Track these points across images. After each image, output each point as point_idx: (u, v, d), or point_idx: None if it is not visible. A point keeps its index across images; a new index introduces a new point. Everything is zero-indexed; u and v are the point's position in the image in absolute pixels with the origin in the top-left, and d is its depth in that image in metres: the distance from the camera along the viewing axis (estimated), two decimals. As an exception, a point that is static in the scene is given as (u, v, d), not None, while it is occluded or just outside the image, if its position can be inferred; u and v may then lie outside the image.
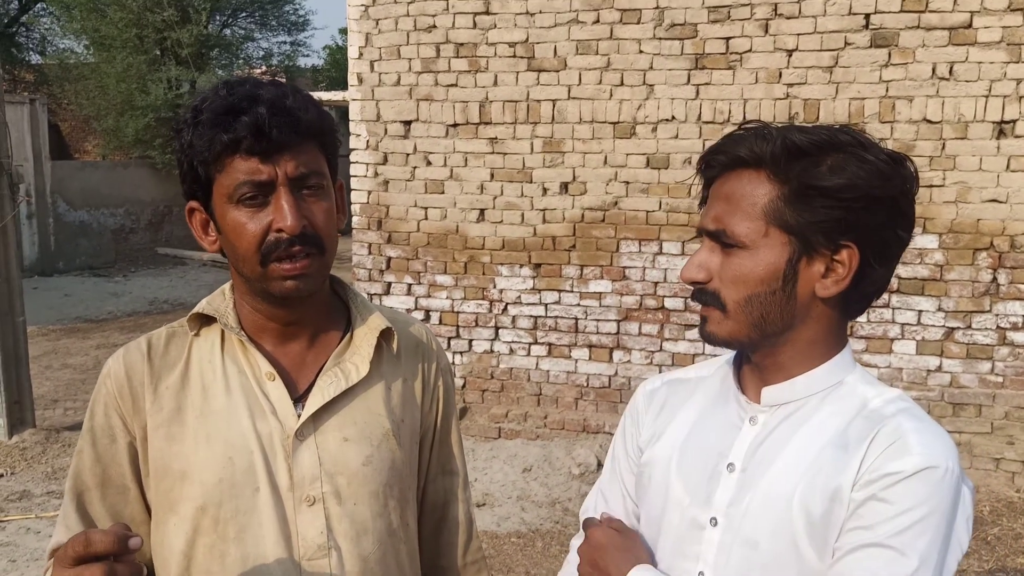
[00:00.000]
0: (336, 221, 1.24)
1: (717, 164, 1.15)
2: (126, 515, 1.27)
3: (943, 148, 5.11)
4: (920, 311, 5.24)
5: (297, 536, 1.21)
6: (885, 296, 5.27)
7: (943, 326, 5.21)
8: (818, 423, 1.13)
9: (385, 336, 1.32)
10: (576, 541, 1.37)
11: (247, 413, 1.23)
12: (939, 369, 5.24)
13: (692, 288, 1.18)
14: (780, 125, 1.14)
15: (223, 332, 1.27)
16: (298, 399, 1.25)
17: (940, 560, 1.02)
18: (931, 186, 5.14)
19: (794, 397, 1.16)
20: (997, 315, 5.12)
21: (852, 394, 1.15)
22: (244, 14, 20.66)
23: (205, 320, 1.28)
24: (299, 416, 1.23)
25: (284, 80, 1.24)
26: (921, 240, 5.19)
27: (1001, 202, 5.04)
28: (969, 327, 5.17)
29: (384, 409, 1.29)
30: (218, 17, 19.85)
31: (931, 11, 5.04)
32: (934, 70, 5.07)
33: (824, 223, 1.08)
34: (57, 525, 1.29)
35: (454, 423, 1.44)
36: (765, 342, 1.15)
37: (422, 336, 1.40)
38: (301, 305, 1.25)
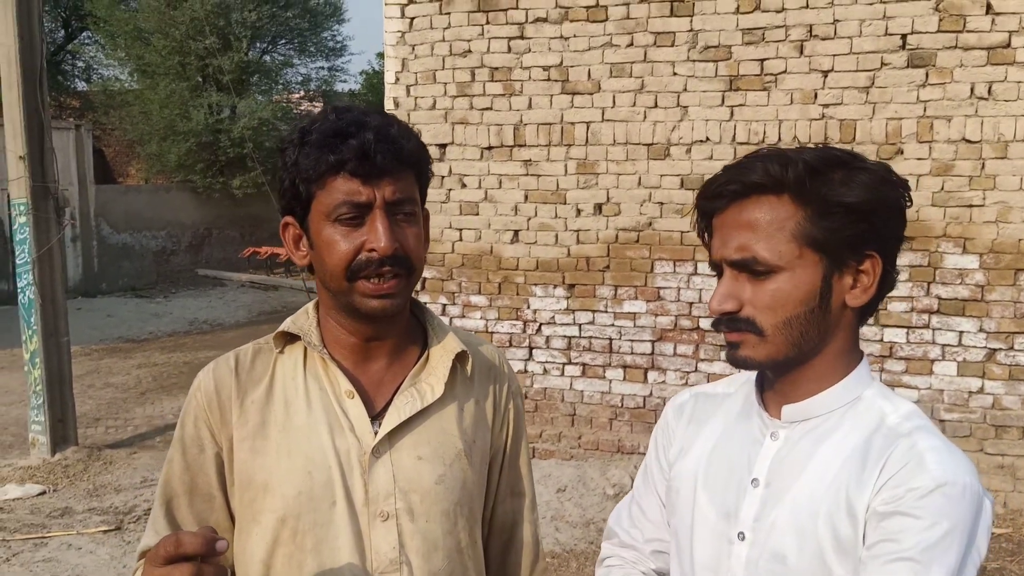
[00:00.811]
0: (424, 246, 1.30)
1: (728, 194, 1.15)
2: (211, 522, 1.31)
3: (983, 168, 5.04)
4: (961, 332, 5.15)
5: (371, 550, 1.25)
6: (925, 317, 5.19)
7: (984, 347, 5.11)
8: (839, 439, 1.14)
9: (460, 358, 1.35)
10: (605, 544, 1.38)
11: (327, 429, 1.27)
12: (981, 391, 5.14)
13: (719, 319, 1.17)
14: (774, 149, 1.15)
15: (306, 350, 1.32)
16: (375, 417, 1.29)
17: (960, 565, 1.03)
18: (971, 206, 5.07)
19: (815, 413, 1.17)
20: (1040, 337, 5.01)
21: (870, 409, 1.16)
22: (283, 41, 21.00)
23: (290, 338, 1.33)
24: (376, 434, 1.27)
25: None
26: (962, 260, 5.10)
27: (1043, 222, 4.95)
28: (1011, 348, 5.06)
29: (457, 430, 1.33)
30: (258, 44, 20.21)
31: (969, 31, 4.98)
32: (972, 90, 5.01)
33: (851, 237, 1.11)
34: (147, 529, 1.34)
35: (523, 445, 1.47)
36: (800, 359, 1.16)
37: (495, 359, 1.44)
38: (384, 323, 1.29)
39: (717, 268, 1.18)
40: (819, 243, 1.11)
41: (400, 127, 1.24)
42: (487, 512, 1.42)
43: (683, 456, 1.30)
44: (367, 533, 1.25)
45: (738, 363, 1.18)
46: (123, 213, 17.30)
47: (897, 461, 1.08)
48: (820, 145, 1.19)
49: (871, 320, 5.25)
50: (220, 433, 1.30)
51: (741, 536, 1.18)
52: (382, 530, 1.25)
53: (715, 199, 1.16)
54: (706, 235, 1.21)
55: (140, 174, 21.68)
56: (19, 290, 6.64)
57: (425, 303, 5.81)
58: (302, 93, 21.98)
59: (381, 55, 25.19)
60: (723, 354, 5.51)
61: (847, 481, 1.11)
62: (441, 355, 1.34)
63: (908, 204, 1.16)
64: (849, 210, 1.10)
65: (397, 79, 6.18)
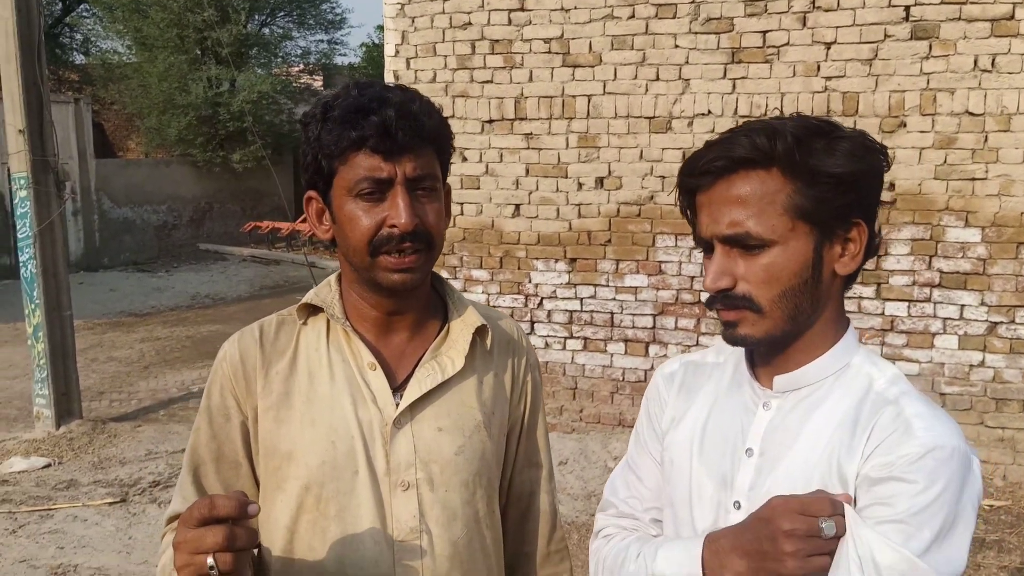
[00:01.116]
0: (444, 222, 1.31)
1: (715, 170, 1.14)
2: (237, 488, 1.33)
3: (986, 141, 5.01)
4: (962, 305, 5.15)
5: (392, 518, 1.28)
6: (927, 290, 5.19)
7: (986, 321, 5.12)
8: (830, 406, 1.16)
9: (480, 332, 1.37)
10: (600, 515, 1.39)
11: (349, 400, 1.29)
12: (982, 364, 5.15)
13: (714, 295, 1.17)
14: (757, 122, 1.15)
15: (328, 322, 1.34)
16: (397, 389, 1.31)
17: (950, 533, 1.04)
18: (974, 179, 5.05)
19: (806, 382, 1.18)
20: (1041, 310, 5.01)
21: (859, 375, 1.17)
22: (282, 13, 20.84)
23: (313, 310, 1.35)
24: (397, 405, 1.29)
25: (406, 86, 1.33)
26: (963, 234, 5.09)
27: (1045, 195, 4.94)
28: (1013, 322, 5.07)
29: (476, 402, 1.35)
30: (257, 17, 20.05)
31: (972, 3, 4.94)
32: (976, 62, 4.98)
33: (840, 206, 1.12)
34: (174, 495, 1.37)
35: (541, 417, 1.49)
36: (796, 333, 1.17)
37: (513, 333, 1.46)
38: (405, 296, 1.31)
39: (706, 245, 1.18)
40: (810, 214, 1.11)
41: (422, 103, 1.24)
42: (505, 482, 1.45)
43: (676, 426, 1.31)
44: (388, 502, 1.28)
45: (736, 341, 1.18)
46: (124, 187, 17.26)
47: (884, 428, 1.10)
48: (796, 115, 1.18)
49: (872, 294, 5.26)
50: (245, 403, 1.32)
51: (737, 505, 1.19)
52: (403, 499, 1.28)
53: (701, 175, 1.16)
54: (689, 212, 1.21)
55: (140, 148, 21.60)
56: (21, 264, 6.64)
57: (427, 277, 5.64)
58: (302, 66, 21.84)
59: (381, 28, 25.01)
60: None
61: (838, 448, 1.12)
62: (462, 329, 1.36)
63: (887, 168, 1.16)
64: (838, 180, 1.10)
65: (397, 52, 6.14)
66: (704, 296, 5.62)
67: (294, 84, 20.51)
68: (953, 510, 1.05)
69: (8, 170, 6.89)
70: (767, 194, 1.11)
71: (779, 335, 1.16)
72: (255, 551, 1.33)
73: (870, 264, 5.44)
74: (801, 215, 1.11)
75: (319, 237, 1.33)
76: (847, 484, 1.10)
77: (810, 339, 1.18)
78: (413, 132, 1.21)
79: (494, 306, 6.08)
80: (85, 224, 16.39)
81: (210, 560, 1.01)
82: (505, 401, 1.41)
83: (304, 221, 14.10)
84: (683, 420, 1.30)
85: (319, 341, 1.33)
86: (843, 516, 1.04)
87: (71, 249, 14.91)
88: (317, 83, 22.40)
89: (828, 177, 1.10)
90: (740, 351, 1.27)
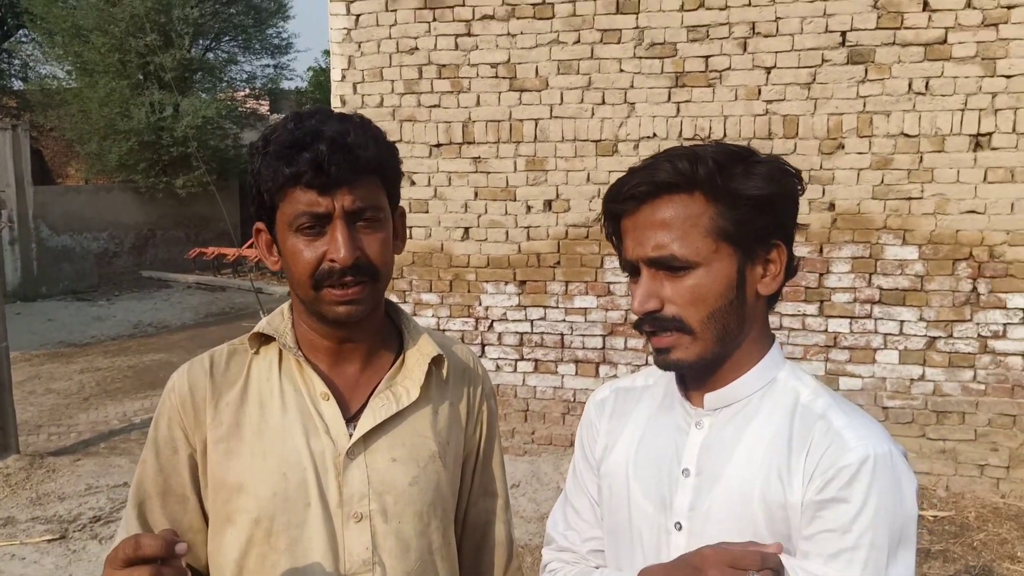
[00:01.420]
0: (392, 248, 1.30)
1: (639, 195, 1.16)
2: (185, 523, 1.31)
3: (921, 161, 5.16)
4: (902, 321, 5.28)
5: (344, 550, 1.26)
6: (867, 307, 5.31)
7: (925, 335, 5.25)
8: (761, 421, 1.18)
9: (436, 362, 1.36)
10: (546, 550, 1.40)
11: (301, 431, 1.28)
12: (922, 378, 5.27)
13: (642, 318, 1.19)
14: (678, 148, 1.18)
15: (281, 351, 1.32)
16: (350, 419, 1.30)
17: (901, 534, 1.09)
18: (910, 198, 5.19)
19: (735, 398, 1.20)
20: (978, 324, 5.16)
21: (785, 390, 1.20)
22: (227, 38, 20.64)
23: (264, 339, 1.33)
24: (351, 436, 1.28)
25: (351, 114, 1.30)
26: (901, 251, 5.23)
27: (979, 213, 5.10)
28: (951, 336, 5.21)
29: (431, 432, 1.34)
30: (201, 41, 19.84)
31: (906, 27, 5.10)
32: (910, 85, 5.13)
33: (760, 228, 1.16)
34: (118, 531, 1.33)
35: (496, 446, 1.48)
36: (725, 354, 1.19)
37: (468, 361, 1.45)
38: (354, 327, 1.30)
39: (632, 268, 1.20)
40: (732, 236, 1.14)
41: (358, 134, 1.22)
42: (460, 512, 1.43)
43: (609, 452, 1.32)
44: (340, 534, 1.26)
45: (669, 366, 1.20)
46: (63, 214, 16.87)
47: (820, 444, 1.12)
48: (713, 142, 1.23)
49: (815, 311, 5.36)
50: (194, 434, 1.30)
51: (678, 526, 1.20)
52: (355, 531, 1.26)
53: (626, 200, 1.18)
54: (615, 238, 1.23)
55: (80, 174, 21.17)
56: (-45, 295, 6.44)
57: (376, 302, 5.62)
58: (247, 91, 21.65)
59: (328, 52, 24.93)
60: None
61: (776, 464, 1.14)
62: (417, 359, 1.35)
63: (801, 192, 1.20)
64: (757, 202, 1.14)
65: (344, 76, 6.13)
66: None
67: (240, 109, 20.29)
68: (896, 512, 1.08)
69: (-59, 198, 6.69)
70: (690, 217, 1.14)
71: (710, 357, 1.18)
72: None
73: (813, 282, 5.55)
74: (724, 237, 1.14)
75: (270, 268, 1.32)
76: (788, 501, 1.12)
77: (737, 358, 1.20)
78: (347, 166, 1.19)
79: (444, 330, 6.06)
80: (22, 252, 15.97)
81: None
82: (460, 430, 1.40)
83: (251, 247, 13.92)
84: (616, 446, 1.31)
85: (271, 371, 1.32)
86: (772, 570, 1.04)
87: (8, 278, 14.52)
88: (263, 108, 22.22)
89: (748, 200, 1.13)
90: (670, 373, 1.28)
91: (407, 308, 6.09)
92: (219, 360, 1.33)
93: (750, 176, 1.13)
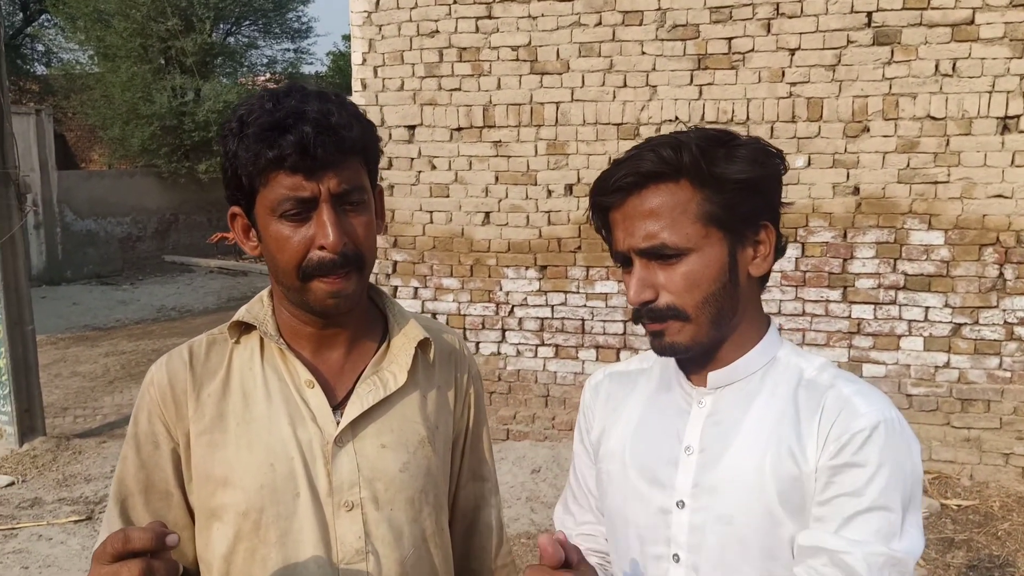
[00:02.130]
0: (376, 230, 1.27)
1: (626, 186, 1.16)
2: (169, 520, 1.27)
3: (947, 144, 5.10)
4: (927, 307, 5.22)
5: (336, 540, 1.23)
6: (892, 293, 5.26)
7: (950, 322, 5.19)
8: (766, 397, 1.20)
9: (422, 346, 1.33)
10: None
11: (287, 420, 1.24)
12: (947, 365, 5.22)
13: (639, 309, 1.20)
14: (660, 136, 1.18)
15: (262, 339, 1.29)
16: (336, 406, 1.26)
17: (911, 496, 1.12)
18: (936, 182, 5.13)
19: (739, 376, 1.22)
20: (1004, 310, 5.10)
21: (787, 367, 1.22)
22: (247, 22, 20.69)
23: (245, 327, 1.30)
24: (338, 423, 1.25)
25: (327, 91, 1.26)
26: (927, 236, 5.17)
27: (1007, 197, 5.03)
28: (976, 323, 5.15)
29: (420, 416, 1.31)
30: (222, 26, 19.90)
31: (933, 8, 5.03)
32: (937, 67, 5.06)
33: (747, 210, 1.17)
34: (101, 530, 1.30)
35: (484, 430, 1.46)
36: (721, 338, 1.21)
37: (455, 344, 1.42)
38: (339, 316, 1.26)
39: (624, 260, 1.21)
40: (721, 220, 1.15)
41: (342, 114, 1.17)
42: (449, 498, 1.40)
43: (606, 438, 1.33)
44: (332, 523, 1.23)
45: (665, 350, 1.21)
46: (87, 199, 17.03)
47: (832, 410, 1.14)
48: (695, 126, 1.23)
49: (839, 297, 5.32)
50: (176, 428, 1.26)
51: (680, 504, 1.20)
52: (347, 520, 1.23)
53: (613, 193, 1.18)
54: (604, 231, 1.23)
55: (103, 159, 21.34)
56: (-19, 279, 6.52)
57: (397, 287, 5.79)
58: (268, 75, 21.71)
59: (348, 36, 24.90)
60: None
61: (787, 435, 1.15)
62: (403, 343, 1.31)
63: (785, 171, 1.20)
64: (743, 186, 1.14)
65: (364, 60, 6.13)
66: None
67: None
68: (909, 474, 1.12)
69: (-33, 183, 6.76)
70: (678, 204, 1.15)
71: (706, 341, 1.19)
72: None
73: (836, 268, 5.50)
74: (713, 221, 1.15)
75: (248, 253, 1.28)
76: (802, 470, 1.13)
77: (736, 339, 1.22)
78: (334, 147, 1.14)
79: (465, 315, 6.07)
80: (47, 237, 16.14)
81: None
82: (449, 414, 1.37)
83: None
84: (613, 431, 1.32)
85: (253, 360, 1.27)
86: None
87: (33, 263, 14.68)
88: (284, 92, 22.25)
89: (734, 183, 1.14)
90: (667, 357, 1.28)
91: (427, 293, 6.10)
92: (198, 351, 1.29)
93: (733, 159, 1.14)
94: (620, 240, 1.19)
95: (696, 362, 1.24)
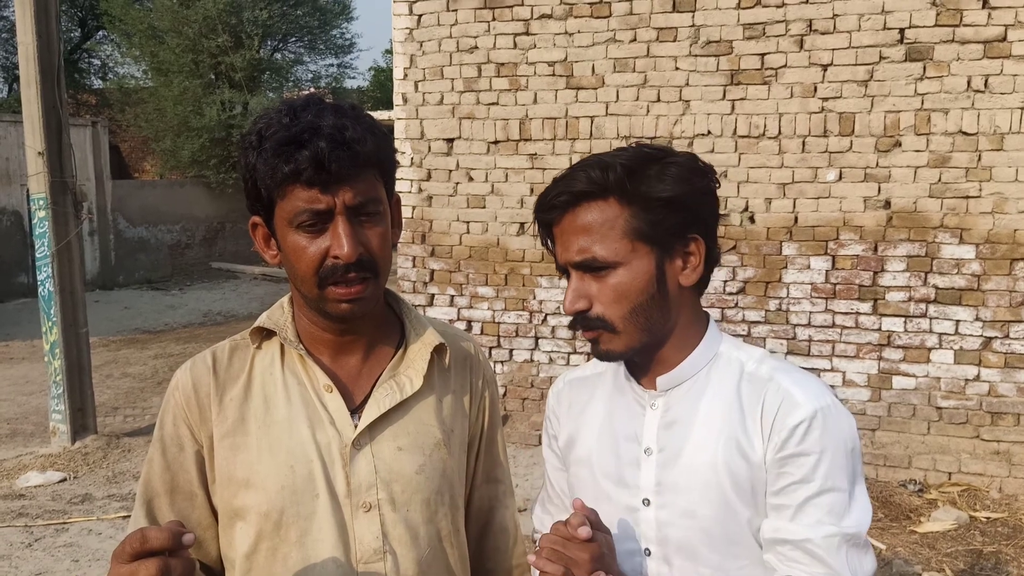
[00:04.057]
0: (391, 239, 1.27)
1: (560, 204, 1.22)
2: (194, 520, 1.28)
3: (979, 160, 5.01)
4: (958, 321, 5.13)
5: (354, 540, 1.24)
6: (923, 306, 5.17)
7: (981, 336, 5.10)
8: (712, 394, 1.24)
9: (438, 351, 1.33)
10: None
11: (307, 423, 1.25)
12: (977, 379, 5.12)
13: (574, 319, 1.25)
14: (592, 157, 1.22)
15: (283, 345, 1.29)
16: (355, 410, 1.27)
17: (854, 470, 1.19)
18: (967, 197, 5.05)
19: (685, 377, 1.26)
20: (1035, 325, 4.99)
21: (729, 361, 1.27)
22: (293, 39, 20.98)
23: (266, 333, 1.30)
24: (356, 426, 1.25)
25: (343, 104, 1.26)
26: (958, 251, 5.09)
27: (1038, 212, 4.93)
28: (1007, 336, 5.05)
29: (435, 420, 1.31)
30: (269, 42, 20.19)
31: (966, 25, 4.96)
32: (969, 83, 4.98)
33: (674, 225, 1.21)
34: (128, 529, 1.30)
35: (499, 433, 1.46)
36: (656, 342, 1.25)
37: (470, 349, 1.42)
38: (355, 321, 1.27)
39: (564, 271, 1.26)
40: (647, 235, 1.20)
41: (356, 128, 1.17)
42: (464, 499, 1.40)
43: (574, 445, 1.36)
44: (350, 524, 1.24)
45: (602, 356, 1.27)
46: (139, 207, 17.33)
47: (772, 404, 1.19)
48: (635, 143, 1.28)
49: (869, 309, 5.24)
50: (200, 431, 1.27)
51: (646, 502, 1.25)
52: (365, 521, 1.24)
53: (550, 210, 1.24)
54: (549, 243, 1.28)
55: (155, 169, 21.71)
56: (39, 283, 6.66)
57: (434, 295, 5.79)
58: (312, 90, 21.93)
59: (389, 52, 25.12)
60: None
61: (733, 430, 1.20)
62: (420, 348, 1.32)
63: (717, 186, 1.24)
64: (668, 203, 1.18)
65: (405, 75, 6.17)
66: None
67: (305, 107, 20.56)
68: (849, 453, 1.18)
69: (27, 191, 6.91)
70: (607, 221, 1.20)
71: (639, 347, 1.24)
72: None
73: (867, 280, 5.43)
74: (639, 237, 1.19)
75: (268, 261, 1.28)
76: (751, 462, 1.19)
77: (676, 342, 1.26)
78: (348, 162, 1.15)
79: (499, 322, 6.08)
80: (101, 243, 16.45)
81: None
82: (464, 418, 1.37)
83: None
84: (579, 437, 1.36)
85: (273, 365, 1.28)
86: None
87: (87, 268, 14.95)
88: (327, 106, 22.48)
89: (659, 201, 1.18)
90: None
91: (463, 301, 6.12)
92: (221, 356, 1.30)
93: (662, 178, 1.18)
94: (559, 254, 1.25)
95: (643, 367, 1.29)
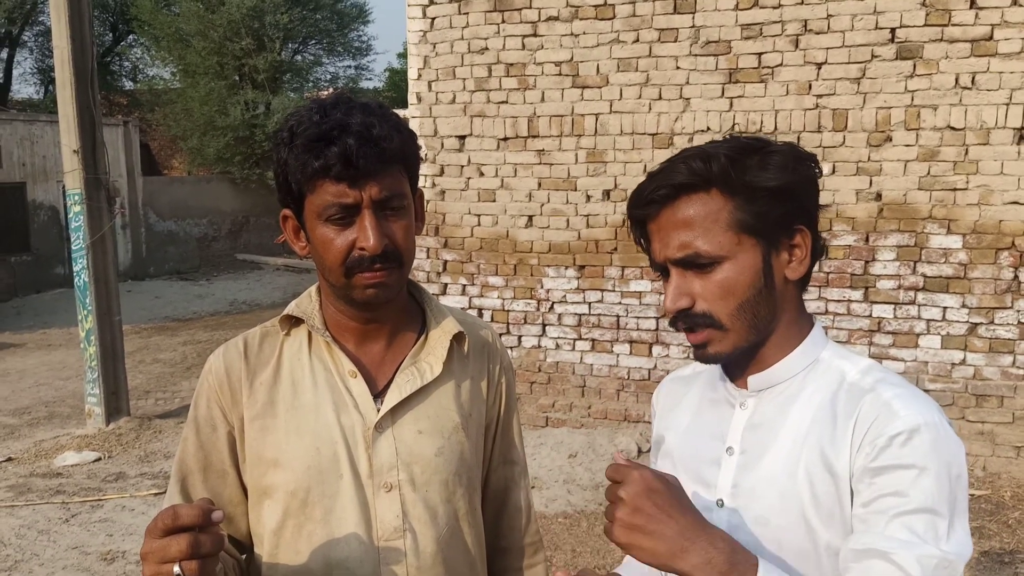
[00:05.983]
0: (415, 232, 1.26)
1: (659, 199, 1.12)
2: (225, 497, 1.29)
3: (966, 153, 4.97)
4: (945, 307, 5.10)
5: (376, 519, 1.24)
6: (911, 293, 5.15)
7: (967, 322, 5.07)
8: (805, 400, 1.12)
9: (457, 339, 1.33)
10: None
11: (332, 407, 1.25)
12: (963, 363, 5.10)
13: (675, 316, 1.15)
14: (692, 148, 1.13)
15: (310, 332, 1.30)
16: (377, 395, 1.27)
17: (956, 500, 1.02)
18: (955, 189, 5.01)
19: (778, 380, 1.15)
20: (1018, 311, 4.96)
21: (830, 369, 1.14)
22: (313, 41, 20.96)
23: (294, 321, 1.31)
24: (378, 410, 1.26)
25: (371, 102, 1.26)
26: (946, 241, 5.05)
27: (1022, 204, 4.89)
28: (992, 322, 5.02)
29: (454, 404, 1.31)
30: (290, 45, 20.17)
31: (954, 24, 4.91)
32: (957, 80, 4.94)
33: (780, 216, 1.10)
34: (163, 505, 1.33)
35: (515, 417, 1.45)
36: (761, 341, 1.14)
37: (488, 337, 1.42)
38: (381, 307, 1.27)
39: (662, 270, 1.16)
40: (753, 227, 1.10)
41: (383, 125, 1.17)
42: (481, 480, 1.40)
43: (664, 439, 1.30)
44: (372, 503, 1.24)
45: (708, 360, 1.16)
46: (168, 202, 17.38)
47: (868, 415, 1.06)
48: (729, 135, 1.17)
49: (860, 297, 5.22)
50: (231, 413, 1.28)
51: (720, 503, 1.15)
52: (386, 500, 1.25)
53: (647, 205, 1.14)
54: (643, 241, 1.19)
55: (183, 166, 21.75)
56: (75, 273, 6.69)
57: (447, 284, 5.82)
58: (331, 90, 21.92)
59: (403, 54, 25.08)
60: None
61: (820, 439, 1.08)
62: (440, 336, 1.32)
63: (819, 175, 1.14)
64: (774, 192, 1.09)
65: (419, 75, 6.16)
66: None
67: (324, 107, 20.57)
68: (954, 478, 1.02)
69: (63, 187, 6.94)
70: (710, 214, 1.10)
71: (746, 346, 1.13)
72: (243, 557, 1.31)
73: (859, 269, 5.41)
74: (745, 229, 1.10)
75: (297, 252, 1.29)
76: (836, 475, 1.05)
77: (776, 341, 1.15)
78: (375, 158, 1.15)
79: (509, 310, 6.08)
80: (133, 236, 16.51)
81: (176, 568, 0.96)
82: (482, 402, 1.37)
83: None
84: (668, 432, 1.29)
85: (301, 351, 1.29)
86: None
87: (120, 259, 15.01)
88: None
89: (764, 191, 1.09)
90: None
91: (474, 290, 6.12)
92: (252, 342, 1.31)
93: (765, 167, 1.08)
94: (657, 251, 1.15)
95: (738, 364, 1.18)
